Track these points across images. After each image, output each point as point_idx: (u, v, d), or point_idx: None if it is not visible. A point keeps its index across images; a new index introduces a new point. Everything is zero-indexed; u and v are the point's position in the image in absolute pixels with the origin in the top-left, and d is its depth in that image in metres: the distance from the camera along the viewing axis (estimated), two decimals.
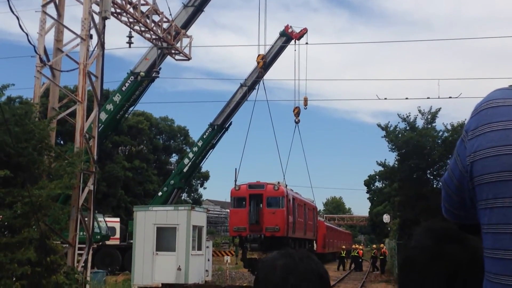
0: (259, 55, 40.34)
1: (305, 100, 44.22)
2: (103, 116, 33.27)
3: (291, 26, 43.01)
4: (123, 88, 35.98)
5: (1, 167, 12.51)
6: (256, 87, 42.69)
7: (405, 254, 1.77)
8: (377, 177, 58.47)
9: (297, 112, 44.61)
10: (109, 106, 34.92)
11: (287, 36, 43.01)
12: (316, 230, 51.33)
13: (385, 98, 49.31)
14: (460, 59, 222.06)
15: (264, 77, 42.28)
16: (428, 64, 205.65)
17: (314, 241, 53.49)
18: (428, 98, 37.84)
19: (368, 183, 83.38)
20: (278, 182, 39.25)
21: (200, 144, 44.27)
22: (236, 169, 41.88)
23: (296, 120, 44.94)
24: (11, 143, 12.58)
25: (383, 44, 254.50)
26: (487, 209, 1.54)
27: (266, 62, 40.86)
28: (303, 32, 42.85)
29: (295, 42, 42.78)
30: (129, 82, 35.96)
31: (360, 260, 54.30)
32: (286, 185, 40.59)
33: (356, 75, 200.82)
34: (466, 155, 1.60)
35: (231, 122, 44.31)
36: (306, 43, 42.42)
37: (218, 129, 43.38)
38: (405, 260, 1.75)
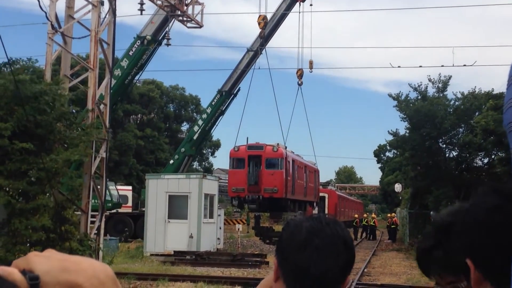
0: (259, 16, 39.72)
1: (310, 63, 44.08)
2: (112, 81, 33.20)
3: None
4: (130, 53, 35.87)
5: (19, 137, 12.61)
6: (263, 52, 42.39)
7: (472, 216, 1.64)
8: (387, 147, 58.21)
9: (300, 74, 44.43)
10: (117, 72, 34.67)
11: None
12: (317, 192, 51.17)
13: (399, 66, 48.95)
14: (475, 27, 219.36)
15: (273, 45, 42.03)
16: (442, 32, 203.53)
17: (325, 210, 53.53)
18: (442, 66, 37.47)
19: (378, 153, 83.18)
20: (278, 144, 39.07)
21: (209, 110, 44.18)
22: (247, 138, 41.62)
23: (299, 82, 44.80)
24: (33, 118, 12.72)
25: (396, 11, 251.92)
26: None
27: (266, 23, 40.15)
28: None
29: (299, 4, 42.21)
30: (136, 46, 35.84)
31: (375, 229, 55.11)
32: (286, 147, 40.45)
33: (369, 44, 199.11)
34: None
35: (239, 88, 44.10)
36: (311, 5, 41.86)
37: (226, 95, 43.21)
38: (474, 222, 1.63)
